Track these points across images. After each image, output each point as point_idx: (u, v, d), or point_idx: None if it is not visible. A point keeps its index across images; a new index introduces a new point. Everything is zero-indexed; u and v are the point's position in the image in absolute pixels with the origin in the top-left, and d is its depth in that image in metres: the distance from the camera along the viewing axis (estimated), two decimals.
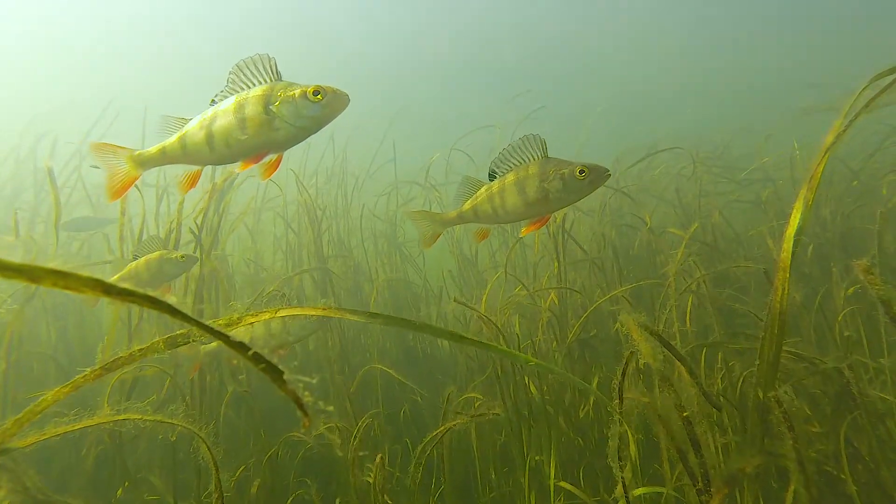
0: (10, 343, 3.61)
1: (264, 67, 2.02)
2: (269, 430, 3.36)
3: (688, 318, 3.11)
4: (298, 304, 3.08)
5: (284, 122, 1.98)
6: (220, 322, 1.12)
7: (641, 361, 2.46)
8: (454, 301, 2.66)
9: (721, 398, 2.55)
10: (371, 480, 2.24)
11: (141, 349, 1.14)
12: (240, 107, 2.00)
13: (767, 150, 7.22)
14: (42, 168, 6.95)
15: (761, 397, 1.38)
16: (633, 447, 1.46)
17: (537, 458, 3.01)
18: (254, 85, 2.02)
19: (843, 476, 2.03)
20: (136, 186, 2.31)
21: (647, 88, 33.48)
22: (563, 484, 2.71)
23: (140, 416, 1.40)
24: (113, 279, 3.30)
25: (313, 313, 1.07)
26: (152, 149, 2.17)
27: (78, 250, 6.15)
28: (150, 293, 0.48)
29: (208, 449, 1.44)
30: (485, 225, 2.49)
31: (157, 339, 1.13)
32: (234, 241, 6.50)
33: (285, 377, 0.53)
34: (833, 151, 1.65)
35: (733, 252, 4.72)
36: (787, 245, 1.40)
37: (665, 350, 1.70)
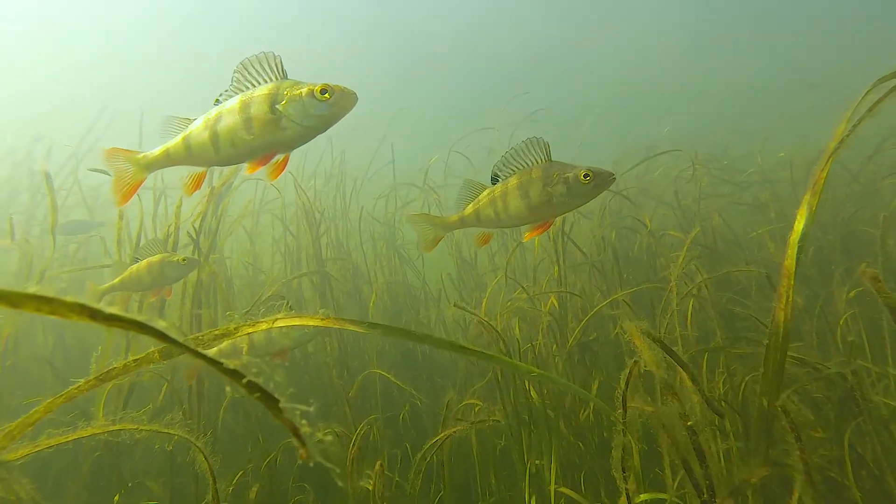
0: (5, 348, 3.58)
1: (270, 66, 1.97)
2: (268, 436, 3.33)
3: (689, 321, 3.10)
4: (297, 308, 3.06)
5: (291, 122, 1.92)
6: (218, 332, 1.10)
7: (644, 368, 2.44)
8: (454, 306, 2.64)
9: (723, 403, 2.53)
10: (370, 487, 2.22)
11: (136, 360, 1.12)
12: (245, 106, 1.94)
13: (766, 151, 7.22)
14: (38, 171, 6.93)
15: (766, 406, 1.36)
16: (636, 458, 1.45)
17: (537, 462, 2.99)
18: (259, 84, 1.97)
19: (847, 482, 2.01)
20: None
21: (646, 89, 33.51)
22: (563, 489, 2.69)
23: (136, 427, 1.38)
24: (115, 282, 3.27)
25: (312, 324, 1.05)
26: (156, 151, 2.12)
27: (74, 253, 6.12)
28: (139, 318, 0.46)
29: (205, 459, 1.41)
30: (486, 229, 2.46)
31: (153, 349, 1.11)
32: (233, 244, 6.48)
33: (281, 405, 0.51)
34: (836, 156, 1.63)
35: (733, 254, 4.70)
36: (792, 252, 1.38)
37: (667, 356, 1.68)
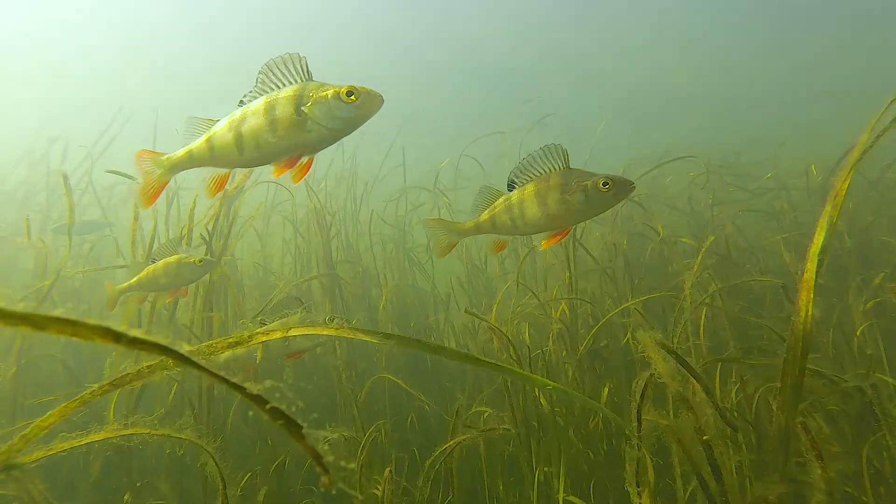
0: (21, 346, 3.62)
1: (295, 67, 1.94)
2: (276, 438, 3.34)
3: (702, 331, 3.06)
4: (308, 310, 3.07)
5: (316, 124, 1.89)
6: (232, 340, 1.10)
7: (658, 380, 2.41)
8: (465, 311, 2.62)
9: (735, 414, 2.50)
10: (379, 493, 2.22)
11: (149, 366, 1.12)
12: (270, 108, 1.92)
13: (781, 157, 7.14)
14: (54, 171, 7.02)
15: (784, 422, 1.33)
16: (651, 472, 1.42)
17: (546, 469, 2.96)
18: (284, 85, 1.94)
19: (864, 498, 1.97)
20: None
21: (659, 95, 33.32)
22: (572, 498, 2.67)
23: (148, 431, 1.38)
24: (132, 281, 3.29)
25: (326, 333, 1.04)
26: (180, 152, 2.10)
27: (88, 253, 6.19)
28: (161, 341, 0.45)
29: (216, 464, 1.41)
30: (501, 236, 2.44)
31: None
32: (244, 245, 6.51)
33: (304, 431, 0.51)
34: (858, 166, 1.60)
35: (746, 263, 4.65)
36: (811, 265, 1.36)
37: (681, 367, 1.66)
